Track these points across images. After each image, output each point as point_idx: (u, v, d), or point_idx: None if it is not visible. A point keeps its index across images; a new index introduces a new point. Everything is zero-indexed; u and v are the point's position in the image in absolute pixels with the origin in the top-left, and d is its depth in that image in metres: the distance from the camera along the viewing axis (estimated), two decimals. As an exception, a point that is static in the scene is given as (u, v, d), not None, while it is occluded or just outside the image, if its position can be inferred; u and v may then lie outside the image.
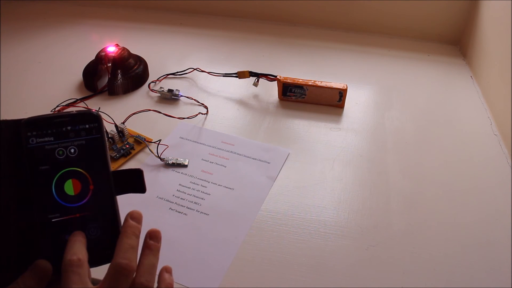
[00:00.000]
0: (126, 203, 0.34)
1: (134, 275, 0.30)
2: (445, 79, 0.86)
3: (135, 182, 0.33)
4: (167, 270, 0.34)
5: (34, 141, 0.30)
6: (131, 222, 0.31)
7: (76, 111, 0.31)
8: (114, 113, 0.68)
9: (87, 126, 0.31)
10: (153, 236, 0.32)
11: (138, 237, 0.31)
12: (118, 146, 0.64)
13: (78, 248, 0.29)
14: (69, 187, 0.31)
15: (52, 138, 0.30)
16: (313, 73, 0.84)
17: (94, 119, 0.31)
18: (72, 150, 0.31)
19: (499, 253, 0.51)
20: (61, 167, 0.31)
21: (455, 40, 0.97)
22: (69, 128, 0.31)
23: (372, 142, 0.68)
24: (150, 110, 0.71)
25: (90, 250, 0.30)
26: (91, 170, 0.31)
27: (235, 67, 0.81)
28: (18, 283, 0.28)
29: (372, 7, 0.97)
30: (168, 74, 0.83)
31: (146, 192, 0.33)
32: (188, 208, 0.56)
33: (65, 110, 0.72)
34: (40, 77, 0.82)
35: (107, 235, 0.31)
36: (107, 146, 0.32)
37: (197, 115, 0.72)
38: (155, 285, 0.32)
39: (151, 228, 0.33)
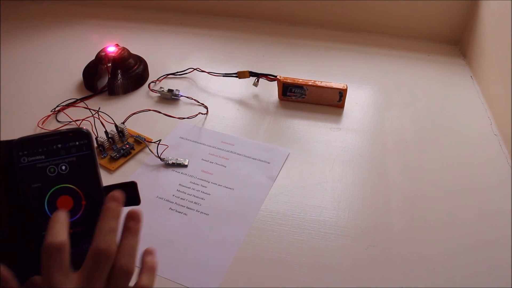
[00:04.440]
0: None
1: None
2: (445, 79, 0.86)
3: (128, 195, 0.33)
4: (150, 252, 0.33)
5: (25, 160, 0.31)
6: (111, 204, 0.30)
7: (66, 129, 0.32)
8: (114, 113, 0.68)
9: (77, 143, 0.32)
10: (133, 217, 0.31)
11: (118, 219, 0.30)
12: (118, 146, 0.64)
13: (59, 230, 0.28)
14: (62, 204, 0.31)
15: (43, 157, 0.31)
16: (313, 73, 0.84)
17: (84, 136, 0.32)
18: (63, 167, 0.31)
19: (499, 253, 0.51)
20: (53, 184, 0.31)
21: (455, 40, 0.97)
22: (59, 146, 0.31)
23: (372, 142, 0.68)
24: (150, 110, 0.71)
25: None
26: (83, 186, 0.32)
27: (235, 67, 0.81)
28: None
29: (372, 7, 0.97)
30: (168, 74, 0.83)
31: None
32: (188, 208, 0.56)
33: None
34: (40, 77, 0.82)
35: None
36: (98, 162, 0.32)
37: (197, 115, 0.72)
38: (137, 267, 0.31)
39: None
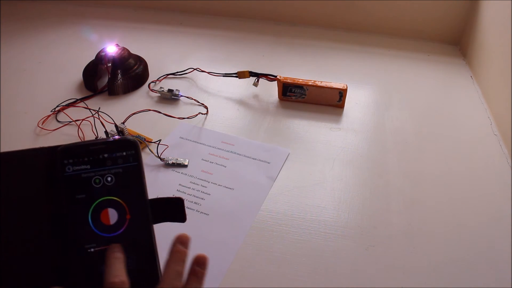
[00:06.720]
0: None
1: None
2: (445, 79, 0.86)
3: (174, 211, 0.32)
4: None
5: (70, 169, 0.29)
6: (179, 247, 0.31)
7: (113, 138, 0.31)
8: (114, 113, 0.68)
9: (124, 153, 0.30)
10: (201, 263, 0.32)
11: (185, 262, 0.31)
12: (118, 146, 0.64)
13: (118, 269, 0.28)
14: (106, 217, 0.30)
15: (88, 166, 0.30)
16: (313, 73, 0.84)
17: (132, 146, 0.31)
18: (109, 179, 0.30)
19: (499, 252, 0.51)
20: (98, 196, 0.30)
21: (455, 40, 0.97)
22: (106, 155, 0.30)
23: (372, 142, 0.68)
24: (150, 110, 0.71)
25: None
26: (128, 199, 0.30)
27: (235, 67, 0.81)
28: None
29: (372, 7, 0.97)
30: (168, 74, 0.83)
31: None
32: (188, 208, 0.56)
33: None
34: (40, 77, 0.82)
35: (144, 266, 0.30)
36: (145, 174, 0.31)
37: (197, 115, 0.72)
38: None
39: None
